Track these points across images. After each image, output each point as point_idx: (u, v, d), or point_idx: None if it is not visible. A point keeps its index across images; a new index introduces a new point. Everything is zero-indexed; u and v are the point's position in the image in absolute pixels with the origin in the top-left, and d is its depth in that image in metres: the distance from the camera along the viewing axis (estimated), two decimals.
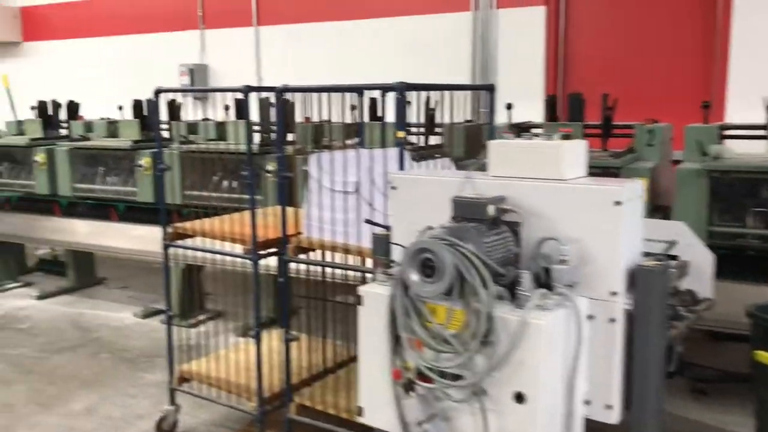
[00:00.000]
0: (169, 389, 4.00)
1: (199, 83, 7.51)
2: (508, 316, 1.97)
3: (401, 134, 2.94)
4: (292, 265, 3.52)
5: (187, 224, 3.85)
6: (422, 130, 4.90)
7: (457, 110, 4.32)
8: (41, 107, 6.82)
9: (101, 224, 6.28)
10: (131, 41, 8.07)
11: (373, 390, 2.23)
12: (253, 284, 3.54)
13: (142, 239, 6.08)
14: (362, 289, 2.25)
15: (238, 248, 3.60)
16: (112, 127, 6.32)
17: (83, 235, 6.39)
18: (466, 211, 2.15)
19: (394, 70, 6.38)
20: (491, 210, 2.12)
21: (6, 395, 4.57)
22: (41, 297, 6.73)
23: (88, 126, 6.39)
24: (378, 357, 2.18)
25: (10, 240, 7.06)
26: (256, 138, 5.54)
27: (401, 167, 2.95)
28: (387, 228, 2.69)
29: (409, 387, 2.10)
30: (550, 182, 2.16)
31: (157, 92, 3.79)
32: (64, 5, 8.60)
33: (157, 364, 5.06)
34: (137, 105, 6.26)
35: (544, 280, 2.14)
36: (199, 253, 3.97)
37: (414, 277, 2.01)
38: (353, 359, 4.17)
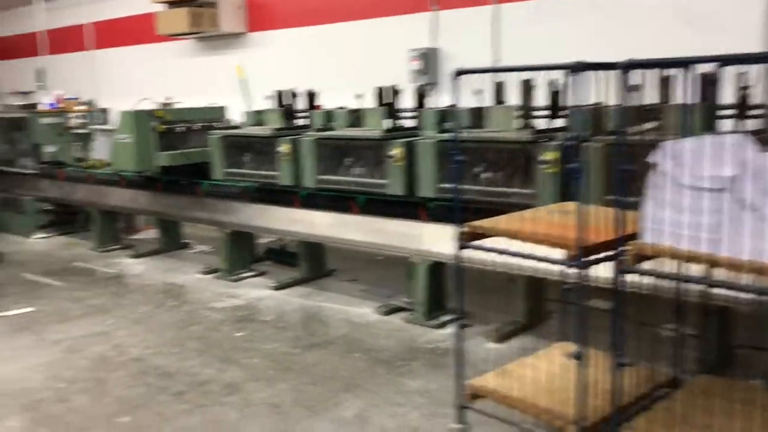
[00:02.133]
0: (458, 406, 3.60)
1: (430, 68, 7.13)
2: None
3: None
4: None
5: (485, 223, 3.40)
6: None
7: None
8: (279, 97, 6.76)
9: (343, 216, 6.08)
10: (358, 27, 7.86)
11: None
12: (580, 298, 3.01)
13: (384, 233, 5.81)
14: None
15: (535, 250, 3.12)
16: (353, 116, 6.07)
17: (323, 226, 6.23)
18: None
19: (663, 42, 5.62)
20: None
21: (271, 394, 4.41)
22: (278, 287, 6.69)
23: (329, 115, 6.20)
24: None
25: (249, 230, 7.11)
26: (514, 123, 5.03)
27: None
28: None
29: None
30: None
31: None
32: None
33: (415, 369, 4.73)
34: (380, 92, 5.98)
35: None
36: (495, 257, 3.50)
37: None
38: (666, 385, 3.56)
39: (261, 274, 7.22)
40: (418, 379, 4.55)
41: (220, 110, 7.70)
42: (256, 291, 6.67)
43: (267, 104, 7.00)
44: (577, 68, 2.86)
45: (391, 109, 5.81)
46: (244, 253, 7.26)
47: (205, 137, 7.47)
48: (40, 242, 9.27)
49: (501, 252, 3.31)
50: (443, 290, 5.72)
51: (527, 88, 5.10)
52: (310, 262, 6.95)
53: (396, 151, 5.29)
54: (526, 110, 5.03)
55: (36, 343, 5.46)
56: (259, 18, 8.95)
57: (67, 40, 11.00)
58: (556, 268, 3.17)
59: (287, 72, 8.36)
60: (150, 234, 9.33)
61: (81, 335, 5.59)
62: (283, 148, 6.06)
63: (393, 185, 5.39)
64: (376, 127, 5.66)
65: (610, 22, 6.07)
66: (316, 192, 6.22)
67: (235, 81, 8.69)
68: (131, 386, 4.60)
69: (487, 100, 5.51)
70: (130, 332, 5.64)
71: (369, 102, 6.27)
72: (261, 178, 6.53)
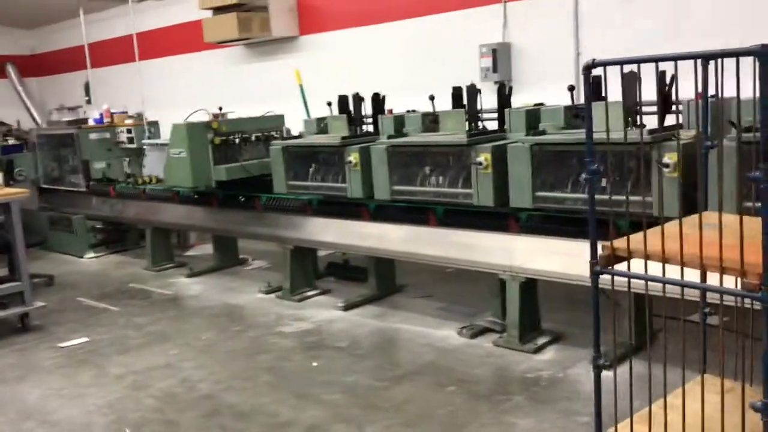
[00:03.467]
0: None
1: (501, 65, 6.58)
2: None
3: None
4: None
5: (630, 241, 2.84)
6: None
7: None
8: (342, 102, 6.27)
9: (419, 229, 5.57)
10: (420, 24, 7.34)
11: None
12: (765, 338, 2.43)
13: (468, 247, 5.27)
14: None
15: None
16: (427, 120, 5.56)
17: (397, 241, 5.72)
18: None
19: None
20: None
21: None
22: (347, 307, 6.20)
23: (399, 120, 5.69)
24: None
25: (314, 246, 6.65)
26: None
27: None
28: None
29: None
30: None
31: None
32: None
33: (520, 404, 4.18)
34: (459, 93, 5.45)
35: None
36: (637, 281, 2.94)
37: None
38: None
39: (326, 292, 6.74)
40: (526, 418, 4.00)
41: (279, 119, 7.26)
42: (324, 312, 6.19)
43: (327, 111, 6.53)
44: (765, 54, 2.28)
45: (471, 111, 5.26)
46: (307, 269, 6.80)
47: (262, 148, 7.07)
48: (92, 262, 8.96)
49: (652, 279, 2.75)
50: (537, 310, 5.17)
51: (631, 81, 4.50)
52: (380, 278, 6.45)
53: (483, 157, 4.75)
54: (632, 107, 4.44)
55: (97, 378, 5.05)
56: (312, 20, 8.50)
57: (112, 52, 10.71)
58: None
59: (344, 76, 7.88)
60: (203, 250, 8.97)
61: (144, 368, 5.17)
62: (353, 157, 5.57)
63: (481, 195, 4.86)
64: (456, 131, 5.14)
65: (712, 8, 5.46)
66: (388, 204, 5.73)
67: (288, 88, 8.25)
68: (205, 429, 4.14)
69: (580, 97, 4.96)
70: (196, 363, 5.20)
71: (441, 104, 5.77)
72: (327, 191, 6.05)
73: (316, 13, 8.42)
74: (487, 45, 6.61)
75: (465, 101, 5.41)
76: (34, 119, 12.74)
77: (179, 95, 9.73)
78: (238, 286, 7.28)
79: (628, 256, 2.85)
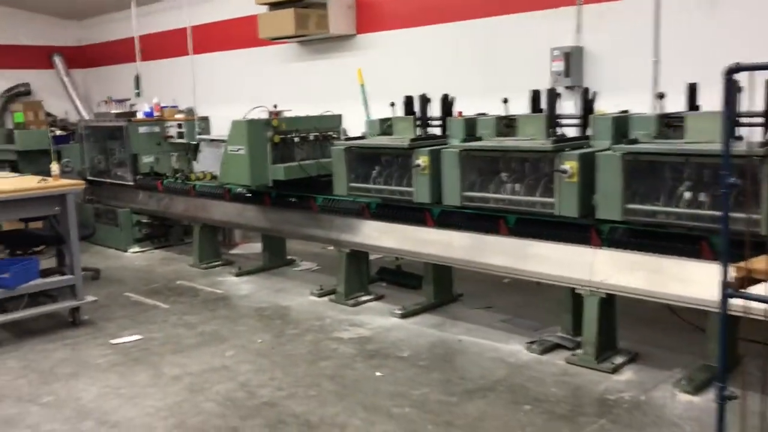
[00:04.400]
0: None
1: (573, 69, 6.33)
2: None
3: None
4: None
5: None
6: None
7: None
8: (408, 103, 6.07)
9: (487, 238, 5.33)
10: (486, 24, 7.10)
11: None
12: None
13: (541, 259, 5.03)
14: None
15: None
16: (500, 124, 5.33)
17: (463, 249, 5.49)
18: None
19: None
20: None
21: None
22: (404, 315, 5.99)
23: (471, 123, 5.47)
24: None
25: (373, 251, 6.44)
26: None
27: None
28: None
29: None
30: None
31: None
32: None
33: (605, 428, 3.93)
34: (535, 98, 5.22)
35: None
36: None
37: None
38: None
39: (379, 297, 6.54)
40: None
41: (336, 119, 7.07)
42: (380, 319, 5.98)
43: (385, 111, 6.33)
44: None
45: (551, 116, 5.02)
46: (361, 274, 6.59)
47: (318, 148, 6.90)
48: (136, 256, 8.84)
49: None
50: (615, 327, 4.91)
51: (732, 89, 4.23)
52: (437, 286, 6.22)
53: (569, 164, 4.50)
54: (734, 116, 4.18)
55: (154, 379, 4.88)
56: (370, 18, 8.30)
57: (163, 45, 10.62)
58: None
59: (402, 76, 7.68)
60: (248, 248, 8.82)
61: (201, 370, 5.00)
62: (421, 161, 5.35)
63: (563, 205, 4.61)
64: (536, 137, 4.90)
65: None
66: (452, 210, 5.50)
67: (343, 87, 8.08)
68: None
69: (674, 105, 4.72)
70: (254, 367, 5.02)
71: (515, 108, 5.55)
72: (390, 194, 5.84)
73: (375, 11, 8.23)
74: (559, 48, 6.36)
75: (544, 105, 5.17)
76: (78, 111, 12.72)
77: (230, 91, 9.61)
78: (289, 287, 7.10)
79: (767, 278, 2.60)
